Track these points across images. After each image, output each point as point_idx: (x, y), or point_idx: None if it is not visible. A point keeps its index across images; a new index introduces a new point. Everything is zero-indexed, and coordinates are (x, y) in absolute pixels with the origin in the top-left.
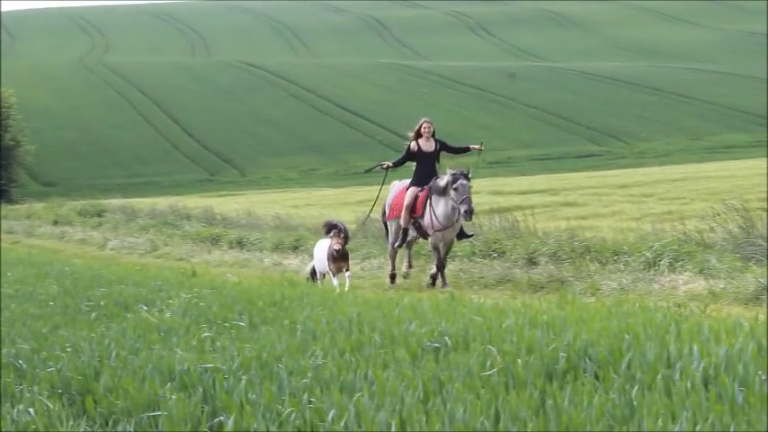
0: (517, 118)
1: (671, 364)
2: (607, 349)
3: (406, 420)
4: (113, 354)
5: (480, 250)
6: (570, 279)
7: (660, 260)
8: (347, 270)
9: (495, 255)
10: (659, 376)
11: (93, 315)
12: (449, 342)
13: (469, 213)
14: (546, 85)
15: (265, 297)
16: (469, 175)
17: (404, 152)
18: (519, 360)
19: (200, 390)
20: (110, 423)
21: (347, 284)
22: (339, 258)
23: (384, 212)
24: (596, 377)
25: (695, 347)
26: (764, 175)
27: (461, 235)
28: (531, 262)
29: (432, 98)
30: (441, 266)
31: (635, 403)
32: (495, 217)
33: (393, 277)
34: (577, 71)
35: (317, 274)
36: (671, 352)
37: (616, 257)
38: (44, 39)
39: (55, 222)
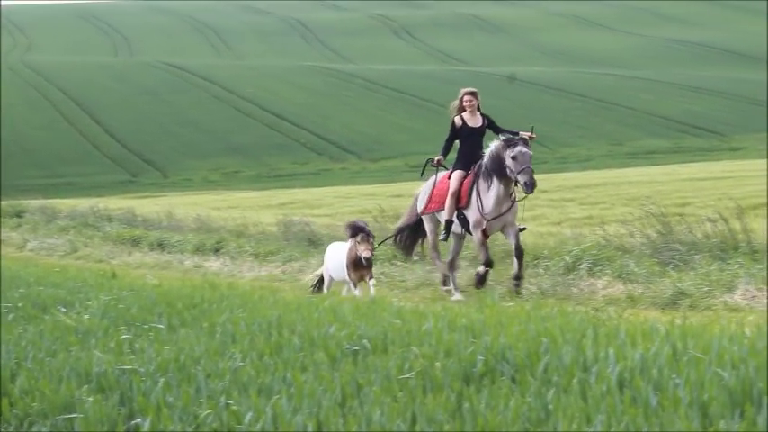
0: (440, 122)
1: (587, 367)
2: (525, 353)
3: (323, 423)
4: (30, 356)
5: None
6: (490, 283)
7: (580, 264)
8: (371, 278)
9: (417, 258)
10: (575, 379)
11: (11, 317)
12: (368, 345)
13: (530, 186)
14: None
15: (185, 299)
16: (529, 140)
17: (448, 132)
18: (437, 363)
19: (118, 392)
20: (25, 425)
21: (372, 292)
22: (363, 266)
23: (414, 208)
24: (513, 380)
25: (611, 351)
26: (683, 181)
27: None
28: (452, 266)
29: (356, 101)
30: (490, 265)
31: (550, 406)
32: None
33: (446, 279)
34: (500, 76)
35: (326, 283)
36: (587, 356)
37: (536, 261)
38: None
39: None
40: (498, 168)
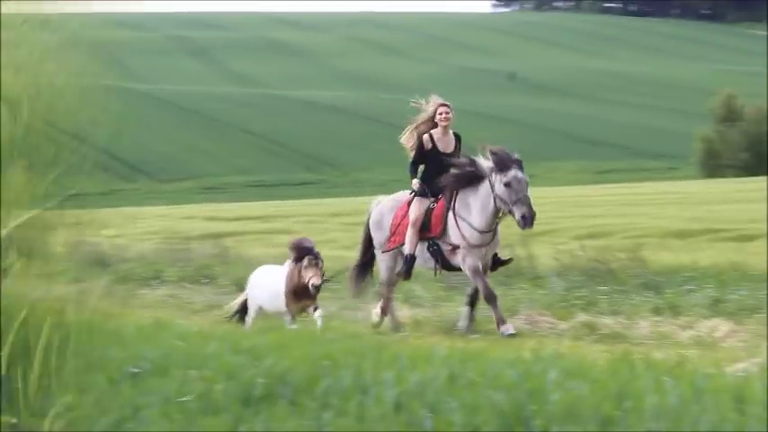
0: (234, 144)
1: (366, 390)
2: (305, 375)
3: None
4: None
5: (190, 275)
6: None
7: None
8: (316, 309)
9: (206, 281)
10: (353, 402)
11: None
12: (148, 367)
13: (529, 220)
14: (264, 112)
15: None
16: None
17: (413, 153)
18: (217, 386)
19: None
20: None
21: (319, 324)
22: (307, 296)
23: (366, 244)
24: (292, 403)
25: (390, 375)
26: None
27: (495, 262)
28: (241, 289)
29: (151, 121)
30: (491, 297)
31: (327, 428)
32: (206, 243)
33: (396, 326)
34: (296, 99)
35: (251, 314)
36: (367, 379)
37: (326, 285)
38: None
39: None
40: (478, 183)
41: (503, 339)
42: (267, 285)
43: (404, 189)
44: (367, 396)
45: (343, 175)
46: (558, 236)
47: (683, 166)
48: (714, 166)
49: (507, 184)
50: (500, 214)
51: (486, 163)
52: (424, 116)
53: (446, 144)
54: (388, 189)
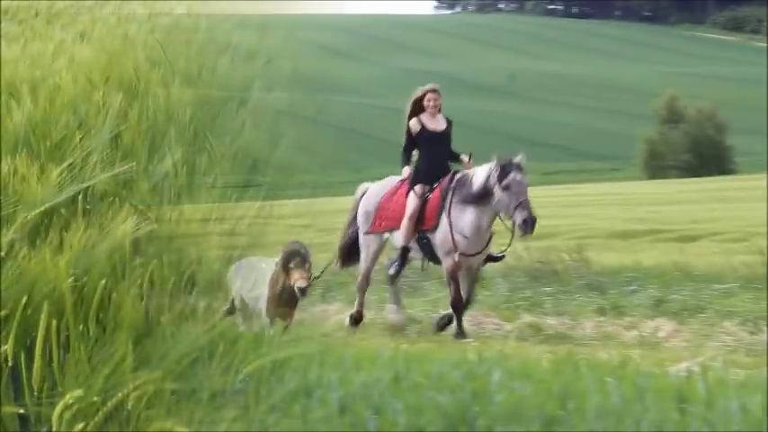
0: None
1: (310, 392)
2: (250, 379)
3: None
4: None
5: None
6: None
7: (312, 290)
8: (290, 321)
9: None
10: (298, 404)
11: None
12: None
13: (530, 225)
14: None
15: None
16: (522, 165)
17: (404, 139)
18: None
19: None
20: None
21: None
22: (289, 302)
23: (351, 227)
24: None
25: (335, 377)
26: None
27: (488, 257)
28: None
29: None
30: (460, 305)
31: (271, 431)
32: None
33: (357, 319)
34: (239, 101)
35: (237, 304)
36: (311, 381)
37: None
38: None
39: None
40: (480, 200)
41: (447, 341)
42: (249, 278)
43: (349, 192)
44: (311, 398)
45: (288, 178)
46: (503, 237)
47: (626, 168)
48: (657, 167)
49: (506, 187)
50: (490, 230)
51: (485, 172)
52: (411, 102)
53: (436, 124)
54: (334, 191)
